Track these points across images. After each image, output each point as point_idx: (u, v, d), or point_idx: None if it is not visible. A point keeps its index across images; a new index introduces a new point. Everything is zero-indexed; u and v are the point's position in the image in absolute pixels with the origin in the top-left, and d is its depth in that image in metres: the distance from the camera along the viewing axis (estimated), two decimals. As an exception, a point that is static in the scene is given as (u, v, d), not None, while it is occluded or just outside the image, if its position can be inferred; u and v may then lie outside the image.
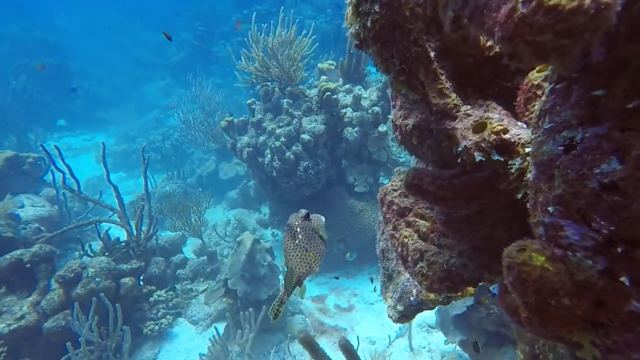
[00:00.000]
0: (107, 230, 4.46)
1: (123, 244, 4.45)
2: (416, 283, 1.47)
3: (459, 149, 0.61)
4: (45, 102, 12.73)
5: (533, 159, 0.49)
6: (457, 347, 3.37)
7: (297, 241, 1.36)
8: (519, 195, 0.57)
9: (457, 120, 0.65)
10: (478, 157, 0.58)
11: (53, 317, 3.36)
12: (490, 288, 2.22)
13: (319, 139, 5.02)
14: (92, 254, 4.22)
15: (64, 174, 4.30)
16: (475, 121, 0.62)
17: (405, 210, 1.10)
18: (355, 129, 5.15)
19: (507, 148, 0.58)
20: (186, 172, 8.40)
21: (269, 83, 5.63)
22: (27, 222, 4.56)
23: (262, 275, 3.94)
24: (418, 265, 1.01)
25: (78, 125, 13.12)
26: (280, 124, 5.17)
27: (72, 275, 3.52)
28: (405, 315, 1.48)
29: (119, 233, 5.25)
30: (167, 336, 4.15)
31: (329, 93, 5.03)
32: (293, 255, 1.35)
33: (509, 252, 0.47)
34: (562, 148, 0.46)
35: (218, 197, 7.65)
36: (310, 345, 1.94)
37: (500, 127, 0.58)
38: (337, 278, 4.79)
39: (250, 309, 3.58)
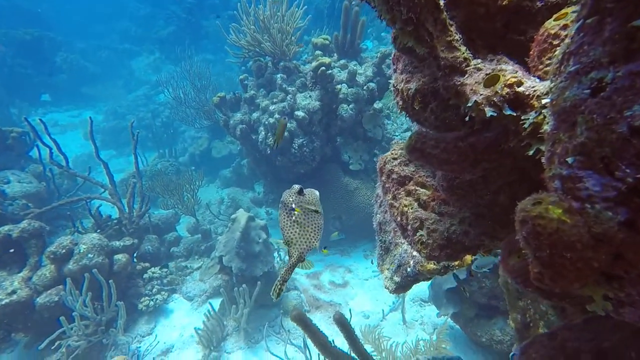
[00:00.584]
0: (98, 207, 4.40)
1: (115, 221, 4.40)
2: (414, 254, 1.47)
3: (469, 104, 0.57)
4: (27, 76, 12.28)
5: (553, 108, 0.46)
6: (449, 319, 3.45)
7: (293, 217, 1.34)
8: (531, 152, 0.54)
9: (466, 75, 0.61)
10: (489, 112, 0.55)
11: (45, 293, 3.35)
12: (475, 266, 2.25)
13: (314, 116, 4.94)
14: (83, 231, 4.17)
15: (50, 149, 4.19)
16: (487, 74, 0.58)
17: (405, 179, 1.07)
18: (350, 105, 5.07)
19: (520, 102, 0.55)
20: (178, 150, 8.27)
21: (261, 58, 5.48)
22: (14, 199, 4.47)
23: (257, 252, 3.94)
24: (418, 234, 0.99)
25: (63, 101, 12.75)
26: (274, 100, 5.07)
27: (64, 251, 3.48)
28: (401, 286, 1.49)
29: (110, 210, 5.20)
30: (163, 312, 4.18)
31: (323, 68, 4.91)
32: (291, 232, 1.32)
33: (524, 205, 0.45)
34: (588, 91, 0.42)
35: (211, 176, 7.58)
36: (303, 321, 1.95)
37: (514, 80, 0.54)
38: (325, 248, 4.79)
39: (244, 285, 3.60)
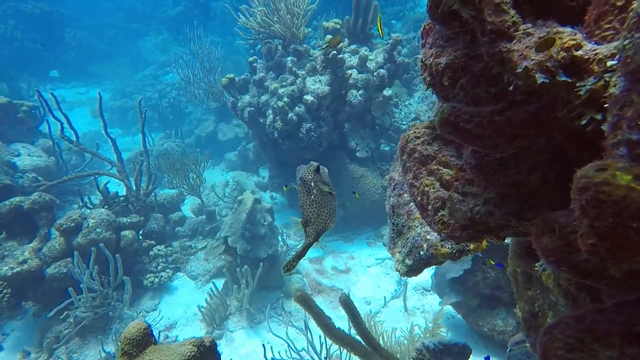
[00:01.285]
0: (105, 184, 4.42)
1: (122, 198, 4.43)
2: (427, 237, 1.47)
3: (518, 70, 0.55)
4: (36, 51, 12.21)
5: (625, 67, 0.43)
6: (450, 307, 3.47)
7: (312, 197, 1.34)
8: (584, 121, 0.52)
9: (514, 41, 0.58)
10: (540, 78, 0.52)
11: (55, 264, 3.41)
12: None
13: (323, 101, 4.90)
14: (91, 206, 4.21)
15: (61, 123, 4.19)
16: (540, 37, 0.55)
17: (428, 159, 1.06)
18: (360, 91, 5.02)
19: (578, 66, 0.51)
20: (184, 131, 8.26)
21: (271, 40, 5.40)
22: (24, 171, 4.50)
23: (262, 235, 3.97)
24: (439, 214, 0.98)
25: (71, 77, 12.71)
26: (284, 83, 5.02)
27: (73, 224, 3.52)
28: (413, 270, 1.49)
29: (117, 187, 5.22)
30: (167, 289, 4.24)
31: (334, 52, 4.85)
32: (310, 211, 1.33)
33: (585, 172, 0.43)
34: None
35: (216, 159, 7.58)
36: (306, 302, 1.97)
37: (572, 42, 0.51)
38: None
39: (246, 267, 3.63)
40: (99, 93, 4.25)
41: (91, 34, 14.37)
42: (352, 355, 2.04)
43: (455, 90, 0.92)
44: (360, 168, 5.20)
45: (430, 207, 1.02)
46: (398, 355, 2.62)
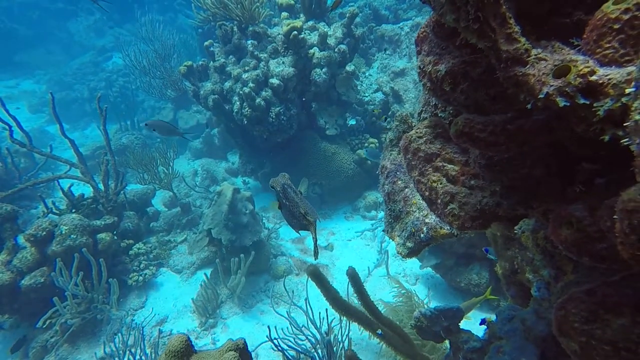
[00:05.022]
0: (70, 187, 4.19)
1: (90, 200, 4.24)
2: (427, 221, 1.63)
3: (540, 95, 0.66)
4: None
5: None
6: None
7: (297, 198, 1.55)
8: (606, 138, 0.63)
9: (528, 66, 0.69)
10: (562, 102, 0.63)
11: (30, 275, 3.29)
12: None
13: (289, 83, 4.88)
14: (57, 212, 4.00)
15: (9, 126, 3.85)
16: (555, 65, 0.66)
17: (432, 156, 1.19)
18: (324, 69, 5.04)
19: (594, 90, 0.62)
20: (140, 121, 7.84)
21: (226, 22, 5.20)
22: (-27, 184, 4.14)
23: (245, 223, 4.02)
24: (449, 207, 1.12)
25: (-5, 70, 11.39)
26: (246, 68, 4.91)
27: (44, 233, 3.37)
28: (413, 251, 1.66)
29: (82, 189, 4.97)
30: (153, 285, 4.22)
31: (295, 32, 4.80)
32: (304, 207, 1.53)
33: (632, 196, 0.50)
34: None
35: (180, 147, 7.33)
36: (317, 276, 2.14)
37: (586, 70, 0.62)
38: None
39: (242, 255, 3.71)
40: (51, 93, 3.92)
41: (9, 18, 12.78)
42: (358, 325, 2.24)
43: (456, 95, 1.04)
44: (331, 145, 5.31)
45: (439, 201, 1.16)
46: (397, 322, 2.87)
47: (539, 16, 0.83)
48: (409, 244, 1.64)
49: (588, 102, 0.63)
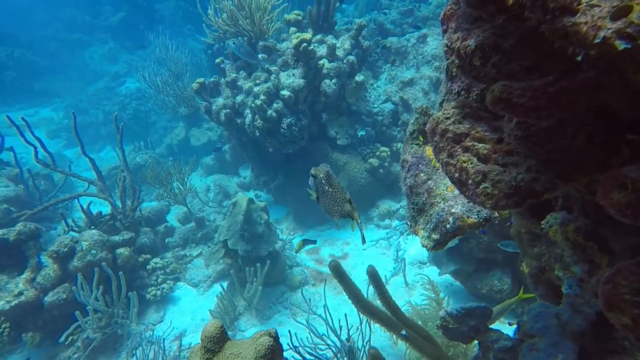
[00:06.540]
0: (88, 205, 4.26)
1: (108, 216, 4.29)
2: (452, 211, 1.60)
3: (596, 40, 0.60)
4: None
5: None
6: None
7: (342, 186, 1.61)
8: None
9: (579, 14, 0.65)
10: (622, 45, 0.58)
11: (53, 291, 3.32)
12: None
13: (299, 94, 4.95)
14: (77, 229, 4.05)
15: (35, 147, 3.96)
16: (613, 6, 0.60)
17: (461, 137, 1.18)
18: (333, 80, 5.11)
19: None
20: (153, 141, 8.00)
21: (236, 39, 5.34)
22: (-3, 204, 4.24)
23: (260, 233, 4.01)
24: (481, 186, 1.10)
25: (15, 99, 11.81)
26: (257, 81, 5.01)
27: (66, 249, 3.41)
28: (440, 242, 1.62)
29: (99, 207, 5.04)
30: (170, 300, 4.20)
31: (305, 44, 4.89)
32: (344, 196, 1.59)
33: None
34: None
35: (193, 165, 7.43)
36: (339, 272, 2.13)
37: None
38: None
39: (258, 264, 3.68)
40: (73, 113, 4.07)
41: (30, 50, 13.35)
42: (380, 327, 2.19)
43: (487, 69, 1.03)
44: (342, 155, 5.32)
45: (470, 181, 1.13)
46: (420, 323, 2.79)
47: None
48: (434, 236, 1.61)
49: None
